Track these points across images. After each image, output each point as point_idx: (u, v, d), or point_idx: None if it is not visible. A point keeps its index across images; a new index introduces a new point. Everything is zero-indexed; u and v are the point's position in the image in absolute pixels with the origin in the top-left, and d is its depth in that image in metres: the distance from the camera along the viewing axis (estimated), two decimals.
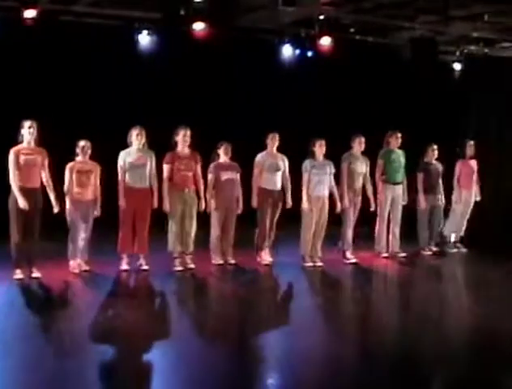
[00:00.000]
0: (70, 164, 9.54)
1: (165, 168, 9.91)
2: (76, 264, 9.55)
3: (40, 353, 6.54)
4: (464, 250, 11.99)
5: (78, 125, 11.69)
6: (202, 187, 10.06)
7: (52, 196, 9.23)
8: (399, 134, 11.28)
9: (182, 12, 11.65)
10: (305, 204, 10.36)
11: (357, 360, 6.68)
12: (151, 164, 9.83)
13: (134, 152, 9.79)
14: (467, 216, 12.06)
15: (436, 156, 11.68)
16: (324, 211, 10.49)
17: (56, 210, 9.24)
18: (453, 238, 12.08)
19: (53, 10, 11.46)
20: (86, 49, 12.40)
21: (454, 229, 12.04)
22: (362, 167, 10.86)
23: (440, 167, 11.74)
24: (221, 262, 10.32)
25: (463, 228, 12.08)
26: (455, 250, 11.95)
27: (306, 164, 10.45)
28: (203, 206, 10.04)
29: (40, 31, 11.32)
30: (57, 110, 12.23)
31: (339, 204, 10.55)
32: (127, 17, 12.36)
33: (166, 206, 9.81)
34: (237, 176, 10.38)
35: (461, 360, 6.64)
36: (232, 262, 10.35)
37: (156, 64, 12.88)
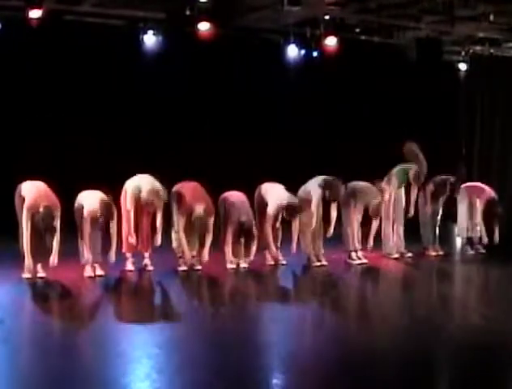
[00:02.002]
0: None
1: (179, 218, 9.76)
2: (91, 268, 9.49)
3: (48, 353, 6.53)
4: (483, 251, 11.85)
5: (83, 124, 11.73)
6: (209, 240, 9.82)
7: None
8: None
9: (187, 12, 11.67)
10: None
11: (363, 360, 6.66)
12: None
13: None
14: (479, 217, 11.90)
15: None
16: (319, 209, 10.45)
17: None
18: (465, 239, 11.98)
19: (58, 10, 11.46)
20: (91, 49, 12.42)
21: (465, 231, 11.94)
22: None
23: None
24: (234, 266, 10.26)
25: (478, 228, 11.89)
26: (473, 252, 11.85)
27: None
28: (206, 258, 9.89)
29: (45, 31, 11.33)
30: (61, 110, 12.26)
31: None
32: (132, 17, 12.37)
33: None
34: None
35: (467, 361, 6.63)
36: (245, 265, 10.28)
37: (161, 64, 12.89)
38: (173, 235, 9.96)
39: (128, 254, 9.84)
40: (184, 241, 9.65)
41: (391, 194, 11.09)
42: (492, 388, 5.93)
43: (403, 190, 11.24)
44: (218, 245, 10.21)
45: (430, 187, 11.49)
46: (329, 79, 14.10)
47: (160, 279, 9.60)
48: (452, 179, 11.60)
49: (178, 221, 9.67)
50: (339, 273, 10.48)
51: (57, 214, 9.00)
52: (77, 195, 9.43)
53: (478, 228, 11.86)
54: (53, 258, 9.00)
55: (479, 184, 12.18)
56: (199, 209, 9.58)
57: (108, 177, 9.84)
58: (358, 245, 10.86)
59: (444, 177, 11.57)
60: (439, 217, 11.65)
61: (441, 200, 11.58)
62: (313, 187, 10.33)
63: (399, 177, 11.12)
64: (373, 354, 6.69)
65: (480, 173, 15.01)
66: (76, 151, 12.06)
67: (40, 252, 9.10)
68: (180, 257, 9.99)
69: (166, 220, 9.92)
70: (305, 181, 10.52)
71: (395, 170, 11.14)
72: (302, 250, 10.51)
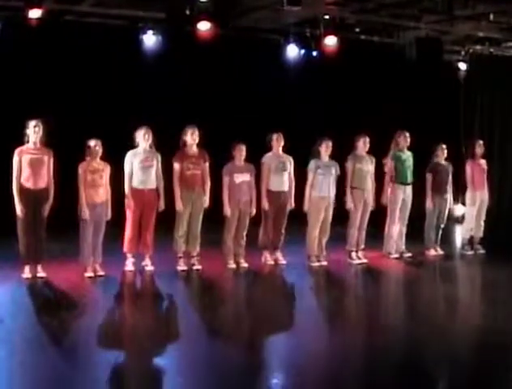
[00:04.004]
0: (81, 165, 9.46)
1: (175, 166, 9.88)
2: (91, 269, 9.50)
3: (47, 354, 6.53)
4: (483, 251, 11.84)
5: (83, 125, 11.71)
6: (208, 186, 10.02)
7: (50, 199, 9.22)
8: (408, 134, 11.23)
9: (187, 12, 11.66)
10: (306, 205, 10.36)
11: (363, 360, 6.67)
12: (157, 164, 9.80)
13: (141, 153, 9.77)
14: (484, 217, 11.87)
15: (445, 156, 11.57)
16: (329, 210, 10.48)
17: (45, 213, 9.20)
18: (466, 239, 11.96)
19: (57, 10, 11.46)
20: (91, 48, 12.42)
21: (469, 231, 11.90)
22: (368, 166, 10.83)
23: (450, 167, 11.63)
24: (234, 266, 10.26)
25: (482, 228, 11.88)
26: (472, 252, 11.82)
27: (312, 164, 10.44)
28: (207, 203, 9.99)
29: (45, 31, 11.33)
30: (61, 110, 12.23)
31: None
32: (132, 17, 12.37)
33: (179, 205, 9.81)
34: (251, 178, 10.29)
35: (468, 361, 6.63)
36: (245, 265, 10.30)
37: (161, 64, 12.89)
38: (175, 236, 9.97)
39: (128, 255, 9.84)
40: None
41: (398, 195, 11.08)
42: (493, 388, 5.94)
43: (411, 189, 11.22)
44: (218, 244, 10.27)
45: (429, 177, 11.47)
46: (329, 79, 14.10)
47: (159, 280, 9.60)
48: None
49: None
50: (339, 273, 10.48)
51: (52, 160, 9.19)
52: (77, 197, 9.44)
53: (482, 228, 11.85)
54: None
55: (480, 178, 11.99)
56: None
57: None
58: (360, 245, 10.89)
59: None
60: (445, 218, 11.63)
61: (447, 183, 11.57)
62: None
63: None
64: (373, 354, 6.70)
65: None
66: (76, 150, 12.04)
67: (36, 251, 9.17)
68: (180, 257, 10.00)
69: (168, 222, 9.94)
70: (305, 180, 10.51)
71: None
72: (306, 248, 10.52)
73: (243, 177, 10.17)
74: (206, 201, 9.99)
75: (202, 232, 10.05)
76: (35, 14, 10.84)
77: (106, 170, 9.54)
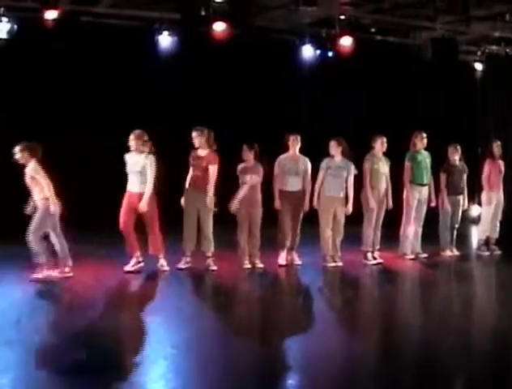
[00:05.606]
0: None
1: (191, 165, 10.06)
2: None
3: (62, 353, 6.54)
4: (499, 252, 11.79)
5: (99, 124, 11.77)
6: (212, 187, 9.94)
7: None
8: (425, 135, 11.19)
9: (202, 12, 11.69)
10: (315, 202, 10.34)
11: (378, 361, 6.65)
12: (150, 168, 9.65)
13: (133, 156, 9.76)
14: (500, 218, 11.82)
15: (459, 156, 11.50)
16: (340, 211, 10.44)
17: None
18: (482, 240, 11.90)
19: (73, 11, 11.51)
20: (106, 49, 12.46)
21: (486, 231, 11.85)
22: (384, 167, 10.82)
23: (465, 168, 11.59)
24: (249, 266, 10.27)
25: (497, 229, 11.85)
26: (488, 253, 11.76)
27: (323, 163, 10.43)
28: (210, 203, 9.91)
29: (61, 32, 11.36)
30: (77, 111, 12.31)
31: (350, 206, 10.48)
32: (147, 18, 12.40)
33: (182, 201, 9.95)
34: (260, 179, 10.25)
35: (484, 362, 6.60)
36: (260, 266, 10.30)
37: (176, 64, 12.92)
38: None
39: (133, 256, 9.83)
40: None
41: (415, 195, 11.05)
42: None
43: (427, 189, 11.20)
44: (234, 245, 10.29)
45: (443, 178, 11.43)
46: (344, 80, 14.07)
47: (175, 280, 9.61)
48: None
49: None
50: (355, 274, 10.45)
51: None
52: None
53: (498, 229, 11.78)
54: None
55: (497, 178, 11.91)
56: None
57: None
58: (375, 246, 10.87)
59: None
60: (459, 218, 11.58)
61: (462, 184, 11.53)
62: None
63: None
64: (389, 354, 6.68)
65: None
66: (92, 150, 12.11)
67: None
68: (185, 256, 10.00)
69: (176, 222, 9.97)
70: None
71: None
72: (321, 248, 10.51)
73: (248, 178, 10.17)
74: (208, 201, 9.95)
75: (217, 233, 10.05)
76: (51, 15, 10.91)
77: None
